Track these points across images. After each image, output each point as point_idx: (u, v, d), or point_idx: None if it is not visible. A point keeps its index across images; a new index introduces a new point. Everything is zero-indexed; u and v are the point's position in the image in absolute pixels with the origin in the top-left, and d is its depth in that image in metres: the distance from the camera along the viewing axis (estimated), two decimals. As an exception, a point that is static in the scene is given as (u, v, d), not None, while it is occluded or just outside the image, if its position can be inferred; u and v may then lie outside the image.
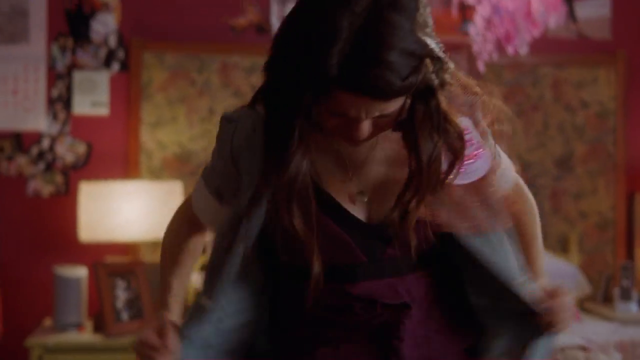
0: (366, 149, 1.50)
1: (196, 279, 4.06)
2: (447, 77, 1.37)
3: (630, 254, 4.59)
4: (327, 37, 1.26)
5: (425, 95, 1.37)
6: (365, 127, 1.35)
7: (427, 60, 1.31)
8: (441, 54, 1.35)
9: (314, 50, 1.27)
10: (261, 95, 1.43)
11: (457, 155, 1.44)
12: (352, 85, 1.27)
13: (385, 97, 1.29)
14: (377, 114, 1.33)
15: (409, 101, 1.36)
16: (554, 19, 3.89)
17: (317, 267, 1.44)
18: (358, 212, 1.49)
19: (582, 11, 4.60)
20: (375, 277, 1.49)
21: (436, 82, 1.35)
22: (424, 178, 1.42)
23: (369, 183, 1.51)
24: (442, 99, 1.39)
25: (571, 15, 4.56)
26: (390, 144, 1.49)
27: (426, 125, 1.39)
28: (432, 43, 1.32)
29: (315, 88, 1.30)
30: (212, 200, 1.65)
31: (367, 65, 1.26)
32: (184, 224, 1.74)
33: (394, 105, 1.33)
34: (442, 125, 1.40)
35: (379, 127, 1.38)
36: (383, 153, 1.51)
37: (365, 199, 1.50)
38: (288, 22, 1.36)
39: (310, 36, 1.28)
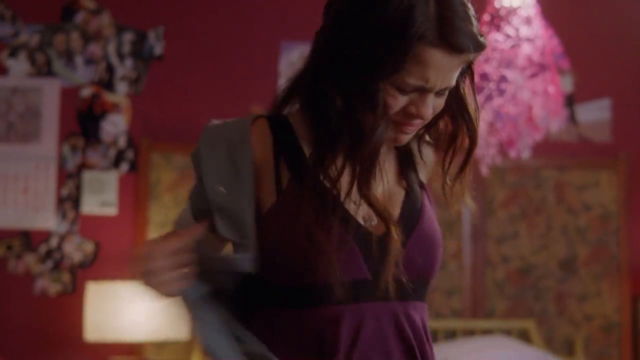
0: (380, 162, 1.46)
1: None
2: None
3: (636, 357, 4.56)
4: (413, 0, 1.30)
5: (467, 69, 1.44)
6: (432, 103, 1.38)
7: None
8: None
9: (404, 12, 1.30)
10: (319, 73, 1.41)
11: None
12: (445, 38, 1.31)
13: (474, 49, 1.33)
14: (448, 83, 1.36)
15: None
16: (556, 124, 3.97)
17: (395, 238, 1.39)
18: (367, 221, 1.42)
19: (583, 115, 4.68)
20: (380, 300, 1.39)
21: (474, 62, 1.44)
22: (473, 128, 1.46)
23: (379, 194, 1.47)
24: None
25: (572, 118, 4.65)
26: (392, 163, 1.53)
27: (469, 94, 1.45)
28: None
29: (403, 46, 1.30)
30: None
31: (454, 19, 1.31)
32: None
33: (457, 75, 1.39)
34: (476, 96, 1.47)
35: (435, 110, 1.41)
36: (390, 169, 1.52)
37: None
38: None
39: (396, 2, 1.31)
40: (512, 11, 3.84)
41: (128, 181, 4.25)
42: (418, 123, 1.41)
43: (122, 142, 4.27)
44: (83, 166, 4.23)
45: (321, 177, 1.39)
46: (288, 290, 1.39)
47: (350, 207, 1.39)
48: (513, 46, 3.82)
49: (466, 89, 1.45)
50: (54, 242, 4.16)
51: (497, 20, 3.87)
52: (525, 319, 4.46)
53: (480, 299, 4.41)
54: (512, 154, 3.91)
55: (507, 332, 4.37)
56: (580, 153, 4.66)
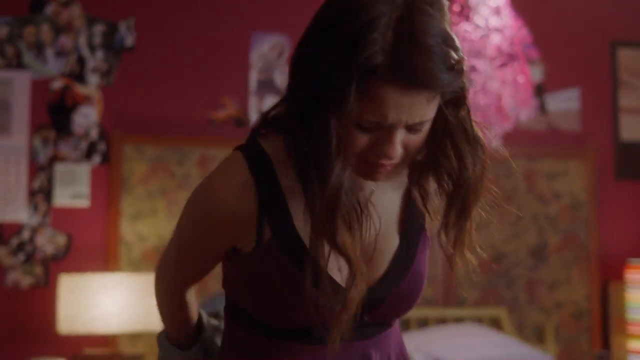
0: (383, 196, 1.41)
1: None
2: (468, 83, 1.31)
3: (605, 343, 4.62)
4: (368, 24, 1.19)
5: (456, 103, 1.30)
6: (399, 141, 1.27)
7: (465, 73, 1.27)
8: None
9: (355, 38, 1.20)
10: (290, 106, 1.31)
11: (484, 166, 1.38)
12: (399, 73, 1.19)
13: (432, 85, 1.21)
14: (416, 119, 1.24)
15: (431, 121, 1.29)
16: (525, 113, 4.01)
17: (360, 289, 1.30)
18: (342, 277, 1.36)
19: (553, 104, 4.73)
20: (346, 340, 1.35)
21: (467, 86, 1.30)
22: (471, 187, 1.36)
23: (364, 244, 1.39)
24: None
25: (542, 108, 4.69)
26: (385, 209, 1.42)
27: (461, 134, 1.32)
28: (458, 46, 1.26)
29: (358, 80, 1.20)
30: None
31: (412, 53, 1.19)
32: (170, 295, 1.59)
33: (431, 111, 1.26)
34: (476, 134, 1.34)
35: (409, 148, 1.30)
36: (391, 212, 1.43)
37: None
38: (319, 18, 1.28)
39: (349, 25, 1.21)
40: (481, 1, 3.87)
41: (100, 173, 4.25)
42: (389, 162, 1.29)
43: (93, 134, 4.26)
44: (55, 158, 4.21)
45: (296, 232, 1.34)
46: (258, 320, 1.40)
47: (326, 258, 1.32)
48: (482, 36, 3.86)
49: (460, 120, 1.31)
50: (25, 234, 4.15)
51: (467, 10, 3.90)
52: (496, 307, 4.50)
53: (452, 288, 4.45)
54: (483, 143, 3.94)
55: (479, 320, 4.42)
56: (549, 142, 4.71)
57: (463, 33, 3.83)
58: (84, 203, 4.21)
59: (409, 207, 1.45)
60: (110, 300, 3.82)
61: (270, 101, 4.41)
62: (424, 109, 1.24)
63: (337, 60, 1.21)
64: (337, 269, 1.34)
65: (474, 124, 1.33)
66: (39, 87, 4.24)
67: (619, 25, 4.84)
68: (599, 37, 4.81)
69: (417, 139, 1.29)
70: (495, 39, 3.87)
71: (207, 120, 4.39)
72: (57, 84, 4.25)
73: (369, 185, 1.39)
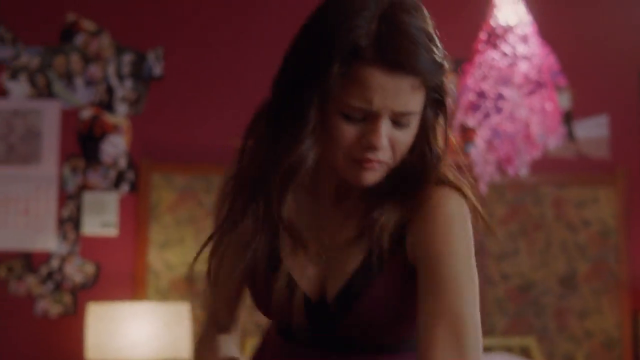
0: (344, 218, 1.41)
1: None
2: (450, 87, 1.34)
3: (637, 373, 4.57)
4: (355, 11, 1.25)
5: (435, 107, 1.34)
6: (384, 130, 1.28)
7: (445, 68, 1.30)
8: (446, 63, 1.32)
9: (340, 22, 1.25)
10: (275, 84, 1.37)
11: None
12: (383, 55, 1.23)
13: (415, 69, 1.24)
14: (401, 108, 1.26)
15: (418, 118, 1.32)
16: (553, 141, 3.99)
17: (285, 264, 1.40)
18: (310, 286, 1.40)
19: (581, 131, 4.71)
20: (311, 346, 1.41)
21: (449, 88, 1.33)
22: (428, 169, 1.35)
23: (332, 255, 1.41)
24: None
25: (570, 135, 4.67)
26: (356, 222, 1.41)
27: (436, 129, 1.35)
28: (440, 46, 1.31)
29: (341, 61, 1.24)
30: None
31: (396, 37, 1.24)
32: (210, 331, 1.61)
33: (415, 103, 1.28)
34: (447, 143, 1.37)
35: (395, 146, 1.31)
36: (352, 230, 1.41)
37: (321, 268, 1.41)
38: (311, 16, 1.34)
39: (337, 13, 1.27)
40: (508, 29, 3.87)
41: (128, 202, 4.27)
42: (376, 156, 1.29)
43: (122, 163, 4.29)
44: (84, 187, 4.24)
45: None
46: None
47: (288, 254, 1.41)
48: (510, 64, 3.85)
49: (436, 126, 1.35)
50: (54, 263, 4.17)
51: (494, 38, 3.89)
52: (526, 335, 4.46)
53: (481, 317, 4.40)
54: (510, 171, 3.93)
55: (508, 350, 4.38)
56: (578, 169, 4.68)
57: (491, 61, 3.83)
58: (112, 232, 4.23)
59: (367, 259, 1.40)
60: (138, 329, 3.83)
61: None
62: (408, 98, 1.26)
63: (321, 42, 1.26)
64: (303, 277, 1.40)
65: (449, 131, 1.37)
66: (69, 116, 4.28)
67: (647, 51, 4.82)
68: (627, 63, 4.78)
69: (403, 137, 1.30)
70: (523, 67, 3.87)
71: (234, 148, 4.39)
72: (87, 114, 4.29)
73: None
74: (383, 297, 1.35)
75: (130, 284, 4.21)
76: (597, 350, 4.55)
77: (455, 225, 1.32)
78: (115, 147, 4.30)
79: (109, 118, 4.31)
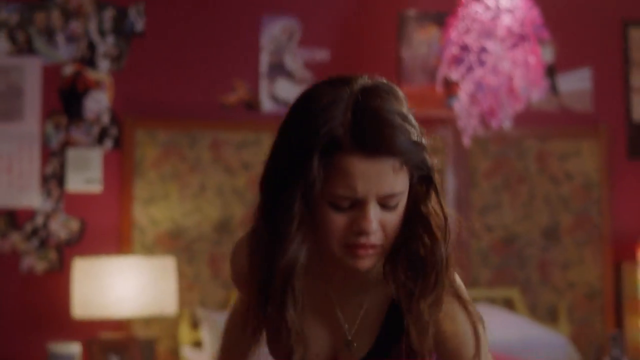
0: (358, 291, 1.45)
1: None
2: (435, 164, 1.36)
3: (619, 323, 4.62)
4: (329, 103, 1.29)
5: (424, 184, 1.36)
6: (373, 214, 1.30)
7: (425, 147, 1.33)
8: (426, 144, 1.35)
9: (317, 116, 1.29)
10: (261, 186, 1.38)
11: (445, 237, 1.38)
12: (359, 142, 1.27)
13: (392, 151, 1.27)
14: (386, 191, 1.29)
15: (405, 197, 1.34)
16: (537, 94, 4.00)
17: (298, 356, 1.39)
18: None
19: (564, 85, 4.71)
20: None
21: (434, 171, 1.35)
22: (432, 273, 1.35)
23: (357, 330, 1.45)
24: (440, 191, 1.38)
25: (553, 88, 4.67)
26: (377, 292, 1.44)
27: (427, 216, 1.36)
28: (416, 125, 1.34)
29: (321, 153, 1.28)
30: None
31: (370, 123, 1.27)
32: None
33: (400, 184, 1.30)
34: (444, 216, 1.37)
35: (386, 228, 1.33)
36: (374, 299, 1.44)
37: (353, 348, 1.45)
38: (287, 114, 1.37)
39: (312, 108, 1.31)
40: (492, -18, 3.86)
41: (112, 158, 4.26)
42: (368, 240, 1.31)
43: (105, 119, 4.27)
44: (67, 144, 4.23)
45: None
46: None
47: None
48: (493, 17, 3.84)
49: (430, 204, 1.36)
50: (39, 220, 4.17)
51: (477, -9, 3.88)
52: (509, 287, 4.51)
53: (465, 269, 4.45)
54: (494, 124, 3.94)
55: (492, 301, 4.42)
56: (561, 123, 4.69)
57: (474, 14, 3.82)
58: (96, 188, 4.23)
59: (390, 312, 1.44)
60: (124, 284, 3.84)
61: (280, 84, 4.41)
62: (391, 180, 1.29)
63: (299, 138, 1.29)
64: (314, 355, 1.44)
65: (443, 204, 1.38)
66: (50, 72, 4.25)
67: (630, 4, 4.81)
68: (611, 16, 4.78)
69: (393, 217, 1.32)
70: (506, 20, 3.86)
71: (218, 104, 4.40)
72: (68, 70, 4.26)
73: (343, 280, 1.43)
74: None
75: (115, 240, 4.22)
76: (579, 301, 4.61)
77: (467, 312, 1.42)
78: (98, 103, 4.28)
79: (91, 74, 4.28)
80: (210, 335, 3.94)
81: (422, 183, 1.35)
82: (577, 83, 4.73)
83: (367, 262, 1.34)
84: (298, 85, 4.41)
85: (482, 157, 4.56)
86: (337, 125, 1.27)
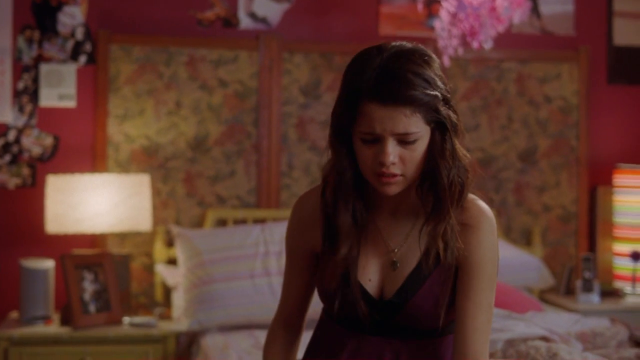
0: (402, 220, 1.79)
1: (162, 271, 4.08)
2: (455, 120, 1.69)
3: (592, 247, 4.66)
4: (362, 66, 1.69)
5: (441, 129, 1.69)
6: (392, 150, 1.66)
7: (440, 97, 1.66)
8: (450, 99, 1.70)
9: (353, 76, 1.70)
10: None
11: (464, 185, 1.72)
12: (377, 94, 1.64)
13: (405, 101, 1.63)
14: (400, 130, 1.64)
15: (427, 138, 1.68)
16: (518, 15, 3.95)
17: (344, 249, 1.75)
18: (372, 289, 1.78)
19: (546, 7, 4.66)
20: (381, 336, 1.79)
21: (448, 120, 1.68)
22: (444, 199, 1.70)
23: (402, 252, 1.79)
24: (455, 135, 1.71)
25: (535, 11, 4.62)
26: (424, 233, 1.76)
27: (443, 153, 1.69)
28: (443, 86, 1.68)
29: (353, 101, 1.67)
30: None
31: (388, 79, 1.65)
32: (277, 329, 1.97)
33: (414, 125, 1.65)
34: (455, 155, 1.70)
35: (405, 162, 1.67)
36: (417, 226, 1.78)
37: (397, 268, 1.78)
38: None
39: (353, 67, 1.71)
40: None
41: (86, 74, 4.19)
42: (388, 170, 1.67)
43: (79, 34, 4.18)
44: (39, 59, 4.14)
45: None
46: (326, 310, 1.89)
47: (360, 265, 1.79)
48: None
49: (447, 147, 1.69)
50: (11, 135, 4.11)
51: None
52: (485, 210, 4.51)
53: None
54: (475, 45, 3.89)
55: (467, 223, 4.42)
56: (542, 46, 4.66)
57: None
58: (70, 104, 4.17)
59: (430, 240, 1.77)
60: (98, 201, 3.82)
61: (258, 1, 4.33)
62: (405, 122, 1.64)
63: (343, 89, 1.72)
64: (367, 279, 1.77)
65: (458, 147, 1.72)
66: (22, -16, 4.14)
67: None
68: (596, -63, 4.71)
69: (412, 155, 1.68)
70: (490, -63, 3.78)
71: (195, 20, 4.32)
72: (41, -18, 4.15)
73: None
74: (430, 295, 1.74)
75: (89, 156, 4.17)
76: (554, 224, 4.63)
77: (494, 236, 1.76)
78: (71, 18, 4.19)
79: (64, -13, 4.17)
80: (184, 252, 3.93)
81: (439, 130, 1.68)
82: (559, 6, 4.67)
83: (392, 188, 1.70)
84: (276, 3, 4.33)
85: (461, 78, 4.52)
86: (364, 80, 1.66)
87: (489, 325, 1.75)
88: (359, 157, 1.70)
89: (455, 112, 1.70)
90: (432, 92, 1.64)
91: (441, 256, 1.72)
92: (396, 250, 1.78)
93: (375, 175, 1.69)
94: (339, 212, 1.75)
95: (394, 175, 1.67)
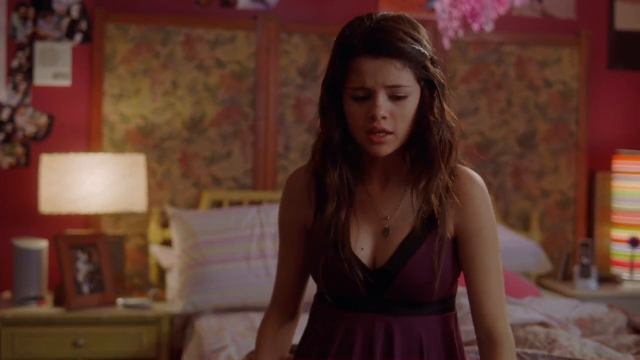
0: (394, 188, 1.79)
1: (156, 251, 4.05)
2: (443, 81, 1.72)
3: (590, 232, 4.64)
4: (352, 28, 1.72)
5: (430, 88, 1.71)
6: (383, 103, 1.67)
7: (429, 56, 1.70)
8: (439, 61, 1.73)
9: (347, 34, 1.72)
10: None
11: (452, 145, 1.73)
12: (368, 48, 1.66)
13: (395, 54, 1.66)
14: (391, 82, 1.66)
15: (417, 96, 1.70)
16: (520, -3, 3.90)
17: (332, 207, 1.76)
18: (365, 257, 1.76)
19: (548, -9, 4.62)
20: (374, 312, 1.77)
21: (437, 78, 1.70)
22: (436, 156, 1.71)
23: (395, 220, 1.77)
24: (443, 96, 1.72)
25: (537, -6, 4.58)
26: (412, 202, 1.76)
27: (432, 111, 1.70)
28: (430, 49, 1.72)
29: (344, 59, 1.70)
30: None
31: (380, 34, 1.67)
32: (272, 314, 1.94)
33: (403, 79, 1.67)
34: (444, 114, 1.72)
35: (396, 118, 1.68)
36: (409, 194, 1.77)
37: (389, 235, 1.76)
38: None
39: (346, 29, 1.74)
40: None
41: (82, 53, 4.14)
42: (380, 125, 1.67)
43: (75, 12, 4.13)
44: (34, 37, 4.10)
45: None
46: (320, 289, 1.85)
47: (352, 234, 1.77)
48: None
49: (435, 106, 1.71)
50: (5, 114, 4.06)
51: None
52: (483, 194, 4.48)
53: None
54: (476, 27, 3.85)
55: (465, 208, 4.40)
56: (543, 29, 4.62)
57: None
58: (65, 83, 4.12)
59: (425, 209, 1.77)
60: (93, 181, 3.78)
61: None
62: (394, 74, 1.66)
63: (335, 50, 1.74)
64: (360, 249, 1.75)
65: (447, 109, 1.73)
66: (17, -39, 4.09)
67: None
68: None
69: (403, 111, 1.68)
70: None
71: (192, 0, 4.27)
72: (36, -42, 4.09)
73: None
74: (424, 262, 1.72)
75: (84, 136, 4.13)
76: (552, 209, 4.61)
77: (487, 200, 1.77)
78: (67, -4, 4.14)
79: (60, -36, 4.12)
80: (180, 234, 3.90)
81: (428, 89, 1.70)
82: (560, -11, 4.63)
83: (383, 148, 1.69)
84: (275, -17, 4.29)
85: (461, 61, 4.48)
86: (355, 38, 1.69)
87: (502, 287, 1.77)
88: (350, 117, 1.71)
89: (443, 74, 1.73)
90: (421, 49, 1.68)
91: (436, 213, 1.72)
92: (388, 217, 1.77)
93: (366, 135, 1.69)
94: (327, 171, 1.76)
95: (386, 134, 1.68)
